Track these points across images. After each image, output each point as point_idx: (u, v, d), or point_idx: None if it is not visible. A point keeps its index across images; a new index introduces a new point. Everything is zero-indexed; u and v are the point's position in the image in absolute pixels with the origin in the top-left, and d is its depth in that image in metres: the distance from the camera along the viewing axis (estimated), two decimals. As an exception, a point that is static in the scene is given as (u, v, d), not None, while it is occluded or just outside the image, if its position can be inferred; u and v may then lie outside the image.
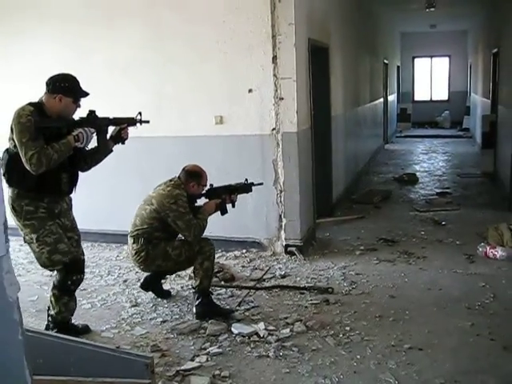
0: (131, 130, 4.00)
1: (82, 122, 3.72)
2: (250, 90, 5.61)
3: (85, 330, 4.07)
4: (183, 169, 4.47)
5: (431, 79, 20.86)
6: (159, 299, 4.72)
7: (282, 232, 5.79)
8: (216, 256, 4.63)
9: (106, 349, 3.02)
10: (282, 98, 5.53)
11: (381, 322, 4.16)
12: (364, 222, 7.21)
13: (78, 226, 4.06)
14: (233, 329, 4.04)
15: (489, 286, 4.81)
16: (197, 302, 4.33)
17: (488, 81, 11.48)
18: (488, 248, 5.60)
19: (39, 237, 3.68)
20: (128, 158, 5.85)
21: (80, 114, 3.78)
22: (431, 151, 14.10)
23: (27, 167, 3.50)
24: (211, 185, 4.53)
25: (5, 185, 3.62)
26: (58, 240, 3.72)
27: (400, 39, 19.55)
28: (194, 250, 4.31)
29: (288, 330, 4.01)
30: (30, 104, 3.62)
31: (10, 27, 6.39)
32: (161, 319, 4.34)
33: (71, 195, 3.94)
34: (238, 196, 4.63)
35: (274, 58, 5.49)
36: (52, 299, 3.86)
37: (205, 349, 3.80)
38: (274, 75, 5.51)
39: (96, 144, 3.86)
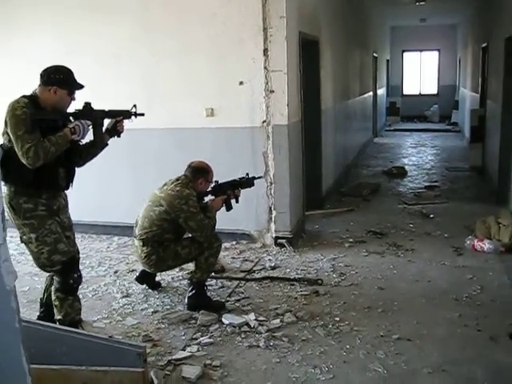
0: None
1: (78, 115, 3.61)
2: (241, 83, 5.63)
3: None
4: (189, 165, 4.43)
5: (420, 73, 20.96)
6: (150, 290, 4.74)
7: (272, 224, 5.83)
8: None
9: (98, 338, 3.05)
10: (273, 91, 5.55)
11: (370, 313, 4.21)
12: (353, 214, 7.26)
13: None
14: (223, 319, 4.08)
15: (476, 278, 4.88)
16: (190, 294, 4.34)
17: (477, 75, 11.56)
18: (476, 241, 5.67)
19: (39, 237, 3.55)
20: (118, 150, 5.82)
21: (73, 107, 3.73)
22: (420, 145, 14.19)
23: (23, 161, 3.35)
24: (216, 181, 4.50)
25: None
26: (58, 240, 3.60)
27: (390, 33, 19.61)
28: (204, 247, 4.32)
29: (278, 321, 4.06)
30: (24, 96, 3.50)
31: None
32: (152, 310, 4.36)
33: (67, 191, 3.82)
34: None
35: (265, 50, 5.50)
36: (57, 303, 3.70)
37: (196, 339, 3.84)
38: (265, 68, 5.53)
39: (91, 138, 3.75)
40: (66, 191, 3.80)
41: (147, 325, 4.10)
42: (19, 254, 5.66)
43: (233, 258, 5.57)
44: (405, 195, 8.38)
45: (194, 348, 3.70)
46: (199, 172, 4.37)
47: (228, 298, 4.54)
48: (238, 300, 4.51)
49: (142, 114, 3.86)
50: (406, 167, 10.64)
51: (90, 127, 3.65)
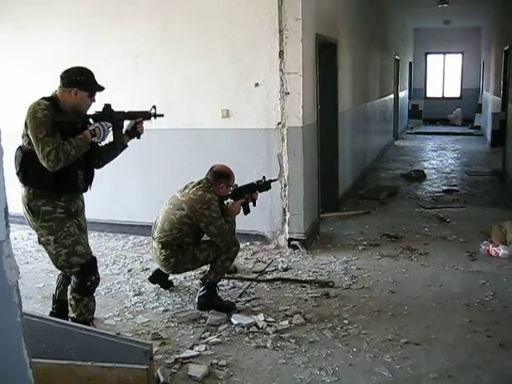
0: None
1: (98, 117, 3.58)
2: (257, 84, 5.66)
3: None
4: (211, 169, 4.42)
5: (444, 76, 20.76)
6: (162, 289, 4.79)
7: (286, 226, 5.85)
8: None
9: (106, 335, 3.10)
10: (288, 93, 5.57)
11: (379, 317, 4.21)
12: (369, 217, 7.24)
13: (86, 216, 3.94)
14: (232, 319, 4.11)
15: (489, 284, 4.84)
16: (201, 293, 4.37)
17: (499, 78, 11.43)
18: (491, 246, 5.62)
19: (57, 239, 3.55)
20: (135, 150, 5.90)
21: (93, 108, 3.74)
22: (441, 148, 14.07)
23: (44, 164, 3.34)
24: (235, 185, 4.50)
25: (19, 183, 3.52)
26: (76, 242, 3.60)
27: (413, 35, 19.45)
28: (222, 250, 4.34)
29: (287, 322, 4.07)
30: (45, 98, 3.48)
31: (20, 20, 6.47)
32: (163, 308, 4.42)
33: (84, 194, 3.83)
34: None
35: (281, 52, 5.53)
36: (72, 302, 3.71)
37: (204, 338, 3.88)
38: (281, 70, 5.55)
39: (110, 139, 3.75)
40: (84, 193, 3.81)
41: (157, 323, 4.15)
42: (36, 251, 5.77)
43: (246, 258, 5.60)
44: (422, 199, 8.32)
45: (201, 347, 3.73)
46: (221, 176, 4.36)
47: (238, 299, 4.57)
48: (249, 300, 4.53)
49: (162, 115, 3.84)
50: (426, 171, 10.57)
51: (110, 129, 3.63)
